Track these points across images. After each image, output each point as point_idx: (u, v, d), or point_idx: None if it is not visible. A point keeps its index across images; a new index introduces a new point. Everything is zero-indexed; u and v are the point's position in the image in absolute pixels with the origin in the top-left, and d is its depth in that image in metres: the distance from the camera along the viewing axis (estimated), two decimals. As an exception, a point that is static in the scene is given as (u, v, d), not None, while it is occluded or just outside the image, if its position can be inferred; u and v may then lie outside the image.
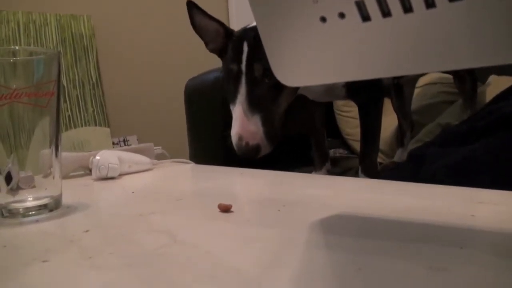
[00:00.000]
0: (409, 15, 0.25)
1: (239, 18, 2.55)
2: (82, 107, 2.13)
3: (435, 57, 0.27)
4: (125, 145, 2.26)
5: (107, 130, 2.17)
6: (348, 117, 1.66)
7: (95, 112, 2.17)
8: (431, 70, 0.28)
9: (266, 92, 0.85)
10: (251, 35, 0.86)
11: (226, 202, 0.45)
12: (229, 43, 0.92)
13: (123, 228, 0.41)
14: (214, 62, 1.61)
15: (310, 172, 1.19)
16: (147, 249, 0.33)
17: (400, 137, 1.42)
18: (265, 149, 0.85)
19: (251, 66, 0.84)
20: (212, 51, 0.98)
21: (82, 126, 2.12)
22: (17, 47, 0.59)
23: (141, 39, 2.37)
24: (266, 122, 0.84)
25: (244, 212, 0.44)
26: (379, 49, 0.28)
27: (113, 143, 2.21)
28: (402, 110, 1.42)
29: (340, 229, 0.36)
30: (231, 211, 0.43)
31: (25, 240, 0.40)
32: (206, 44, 0.98)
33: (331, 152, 1.56)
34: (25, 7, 2.04)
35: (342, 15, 0.27)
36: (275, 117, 0.87)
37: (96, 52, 2.21)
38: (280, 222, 0.40)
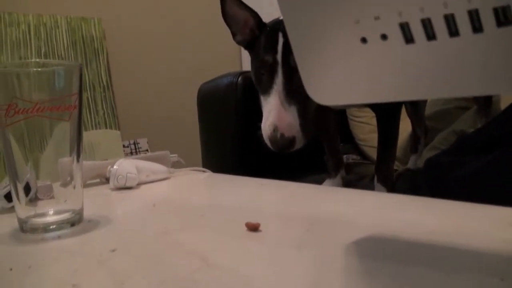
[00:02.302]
0: (455, 39, 0.25)
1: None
2: (92, 110, 2.13)
3: (479, 80, 0.26)
4: (135, 147, 2.26)
5: (118, 132, 2.17)
6: (362, 123, 1.65)
7: (106, 115, 2.17)
8: (475, 94, 0.27)
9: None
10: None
11: (251, 217, 0.44)
12: (261, 34, 0.90)
13: (151, 248, 0.41)
14: (227, 67, 1.61)
15: (324, 179, 1.18)
16: (181, 274, 0.32)
17: (413, 143, 1.41)
18: (299, 143, 0.82)
19: (288, 57, 0.82)
20: (239, 43, 0.96)
21: (92, 128, 2.12)
22: (37, 60, 0.59)
23: (152, 42, 2.37)
24: (303, 114, 0.82)
25: (272, 232, 0.43)
26: (420, 71, 0.28)
27: (124, 146, 2.21)
28: (416, 116, 1.41)
29: (376, 252, 0.35)
30: (260, 230, 0.43)
31: (50, 259, 0.40)
32: (234, 34, 0.95)
33: (344, 158, 1.55)
34: (36, 9, 2.04)
35: (384, 37, 0.27)
36: (310, 110, 0.84)
37: (107, 55, 2.21)
38: (312, 243, 0.39)
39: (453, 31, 0.25)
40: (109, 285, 0.31)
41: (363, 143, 1.64)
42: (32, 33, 2.01)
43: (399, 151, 1.47)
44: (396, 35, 0.26)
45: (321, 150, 1.24)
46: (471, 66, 0.25)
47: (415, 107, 1.40)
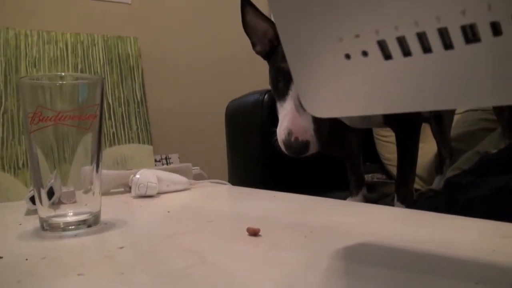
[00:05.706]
0: (429, 55, 0.26)
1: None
2: (126, 125, 2.19)
3: (455, 95, 0.28)
4: (167, 162, 2.31)
5: (150, 148, 2.22)
6: (387, 142, 1.66)
7: (139, 130, 2.22)
8: (452, 107, 0.29)
9: None
10: None
11: (255, 225, 0.47)
12: (280, 44, 0.92)
13: (157, 246, 0.43)
14: (257, 84, 1.63)
15: (346, 197, 1.18)
16: (176, 268, 0.35)
17: (439, 164, 1.40)
18: (313, 148, 0.83)
19: None
20: (258, 53, 0.99)
21: (126, 143, 2.17)
22: (63, 73, 0.63)
23: (186, 61, 2.43)
24: (317, 119, 0.82)
25: (271, 237, 0.45)
26: (400, 85, 0.29)
27: (155, 160, 2.25)
28: (441, 137, 1.41)
29: (365, 258, 0.37)
30: (259, 235, 0.45)
31: (63, 253, 0.43)
32: (253, 45, 0.98)
33: (369, 176, 1.55)
34: (74, 28, 2.12)
35: (365, 53, 0.29)
36: None
37: (142, 72, 2.27)
38: (305, 248, 0.41)
39: (427, 48, 0.26)
40: (110, 275, 0.34)
41: (389, 163, 1.64)
42: (69, 50, 2.09)
43: (424, 172, 1.47)
44: (375, 52, 0.28)
45: (346, 169, 1.24)
46: (442, 80, 0.27)
47: (440, 128, 1.40)
